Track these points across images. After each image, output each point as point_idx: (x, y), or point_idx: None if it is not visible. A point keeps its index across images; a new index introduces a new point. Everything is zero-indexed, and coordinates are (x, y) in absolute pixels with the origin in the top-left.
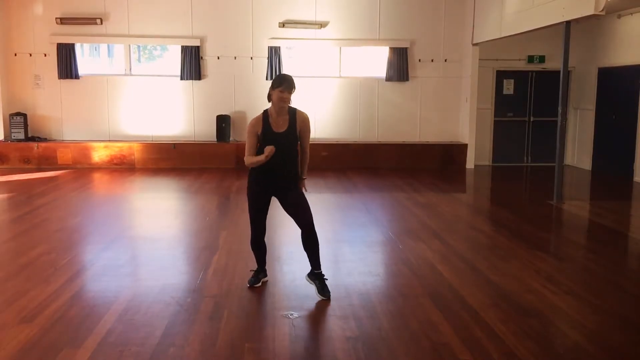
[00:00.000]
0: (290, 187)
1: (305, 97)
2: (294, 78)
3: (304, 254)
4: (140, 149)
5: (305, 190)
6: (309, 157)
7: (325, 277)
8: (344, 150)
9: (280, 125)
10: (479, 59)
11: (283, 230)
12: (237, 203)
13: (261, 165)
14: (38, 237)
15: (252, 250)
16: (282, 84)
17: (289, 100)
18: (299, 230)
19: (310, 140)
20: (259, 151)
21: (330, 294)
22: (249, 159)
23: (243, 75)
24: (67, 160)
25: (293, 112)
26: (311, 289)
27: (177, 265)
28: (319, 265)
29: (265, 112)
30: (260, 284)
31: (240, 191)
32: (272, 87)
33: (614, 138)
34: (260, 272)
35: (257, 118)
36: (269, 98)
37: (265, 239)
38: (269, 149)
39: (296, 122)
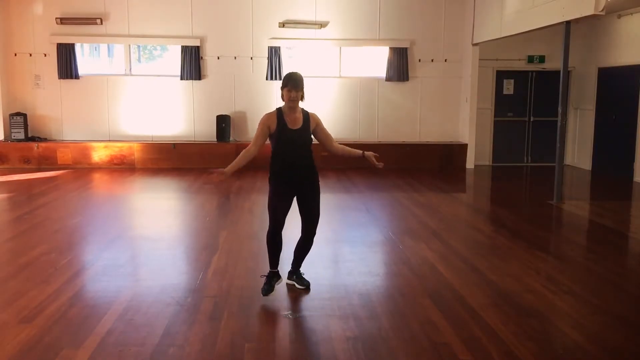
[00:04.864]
0: (312, 185)
1: (305, 97)
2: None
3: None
4: (140, 149)
5: (378, 162)
6: (341, 146)
7: (302, 272)
8: None
9: (295, 123)
10: (479, 59)
11: (283, 231)
12: (237, 203)
13: (282, 161)
14: (38, 237)
15: (267, 245)
16: (288, 84)
17: (297, 98)
18: (300, 231)
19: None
20: (277, 146)
21: (310, 283)
22: (243, 155)
23: (243, 75)
24: (67, 160)
25: (306, 114)
26: (312, 288)
27: (177, 265)
28: (300, 266)
29: (279, 109)
30: (274, 291)
31: (240, 191)
32: (282, 87)
33: (614, 138)
34: (274, 276)
35: (271, 114)
36: (282, 97)
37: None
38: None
39: (309, 123)
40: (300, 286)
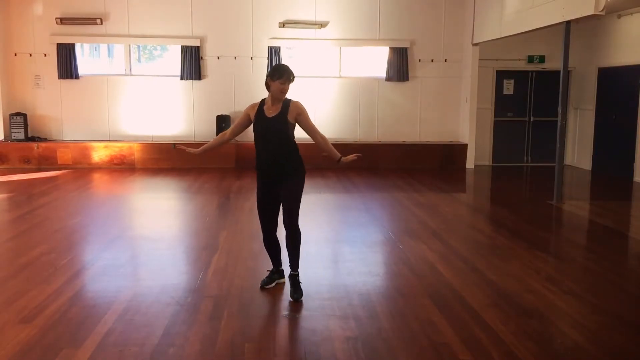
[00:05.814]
0: (290, 175)
1: (305, 97)
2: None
3: (305, 254)
4: (140, 149)
5: (359, 156)
6: (326, 138)
7: (300, 281)
8: (344, 150)
9: (272, 111)
10: (479, 59)
11: (283, 230)
12: (237, 203)
13: (259, 151)
14: (38, 237)
15: (265, 248)
16: (282, 76)
17: (287, 90)
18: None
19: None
20: (254, 135)
21: (302, 296)
22: (218, 138)
23: (243, 75)
24: (67, 160)
25: (287, 102)
26: (312, 288)
27: (177, 265)
28: (297, 267)
29: (263, 100)
30: (273, 284)
31: (240, 191)
32: (272, 78)
33: (614, 138)
34: (275, 273)
35: (255, 104)
36: (267, 87)
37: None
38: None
39: (288, 110)
40: (291, 297)
